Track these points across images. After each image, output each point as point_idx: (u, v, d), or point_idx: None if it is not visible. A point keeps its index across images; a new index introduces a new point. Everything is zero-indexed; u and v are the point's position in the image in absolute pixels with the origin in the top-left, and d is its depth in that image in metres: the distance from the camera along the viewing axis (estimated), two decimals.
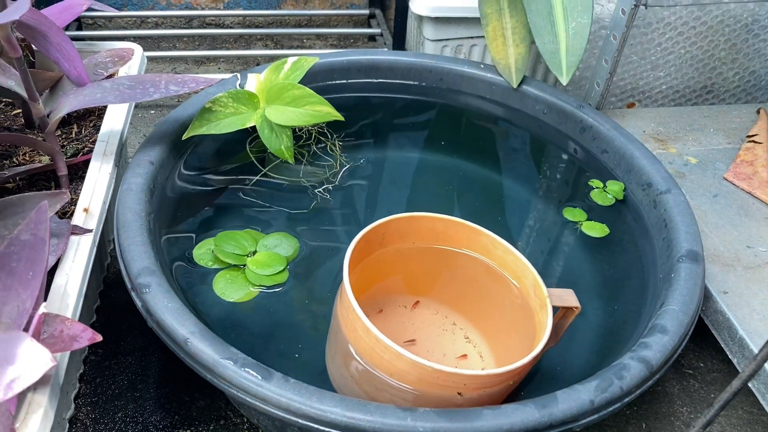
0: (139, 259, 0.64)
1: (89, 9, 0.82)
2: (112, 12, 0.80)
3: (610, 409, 0.58)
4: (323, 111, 0.81)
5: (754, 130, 1.01)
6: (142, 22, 1.43)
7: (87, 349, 0.79)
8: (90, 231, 0.66)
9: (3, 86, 0.69)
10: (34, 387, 0.51)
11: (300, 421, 0.54)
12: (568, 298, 0.62)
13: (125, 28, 1.42)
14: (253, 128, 0.84)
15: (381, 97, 1.00)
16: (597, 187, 0.87)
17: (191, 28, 1.45)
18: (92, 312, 0.82)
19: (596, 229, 0.83)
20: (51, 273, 0.60)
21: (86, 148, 0.80)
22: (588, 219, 0.84)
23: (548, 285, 0.62)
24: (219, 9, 1.43)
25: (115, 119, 0.80)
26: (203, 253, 0.74)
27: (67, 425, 0.71)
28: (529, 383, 0.66)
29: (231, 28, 1.46)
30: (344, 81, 0.99)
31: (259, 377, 0.55)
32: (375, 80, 1.00)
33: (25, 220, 0.53)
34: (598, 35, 1.02)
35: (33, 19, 0.67)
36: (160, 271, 0.63)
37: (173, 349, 0.59)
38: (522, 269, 0.64)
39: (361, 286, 0.67)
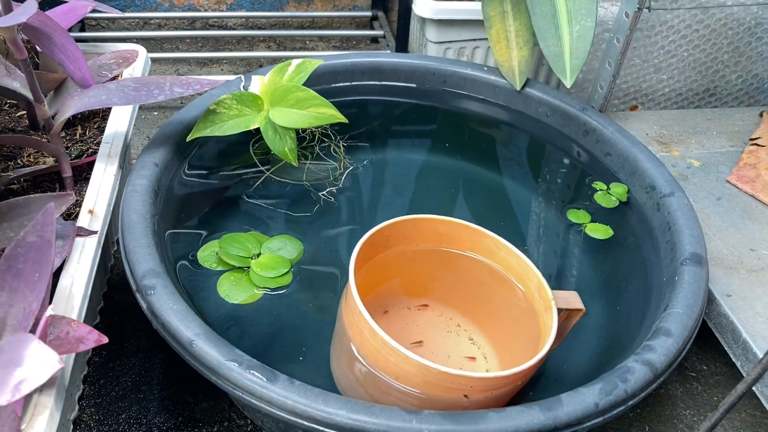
0: (144, 261, 0.64)
1: (93, 10, 0.82)
2: (115, 13, 0.80)
3: (615, 412, 0.58)
4: (327, 113, 0.82)
5: (757, 133, 1.01)
6: (144, 24, 1.43)
7: (91, 351, 0.79)
8: (95, 233, 0.66)
9: (8, 88, 0.69)
10: (40, 388, 0.51)
11: (305, 423, 0.54)
12: (572, 300, 0.62)
13: (128, 30, 1.42)
14: (257, 130, 0.84)
15: (384, 99, 1.00)
16: (600, 190, 0.87)
17: (194, 29, 1.46)
18: (96, 313, 0.82)
19: (600, 231, 0.83)
20: (56, 274, 0.60)
21: (90, 150, 0.80)
22: (592, 221, 0.84)
23: (552, 286, 0.62)
24: (222, 10, 1.43)
25: (120, 121, 0.80)
26: (208, 254, 0.74)
27: (71, 426, 0.71)
28: (534, 385, 0.66)
29: (234, 29, 1.47)
30: (348, 83, 0.99)
31: (264, 379, 0.55)
32: (378, 83, 1.00)
33: (31, 222, 0.54)
34: (601, 38, 1.03)
35: (38, 21, 0.67)
36: (165, 273, 0.63)
37: (178, 350, 0.59)
38: (526, 271, 0.65)
39: (366, 288, 0.67)
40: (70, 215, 0.71)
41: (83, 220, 0.67)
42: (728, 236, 0.84)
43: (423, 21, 1.08)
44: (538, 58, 1.11)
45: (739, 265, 0.80)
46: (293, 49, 1.44)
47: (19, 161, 0.78)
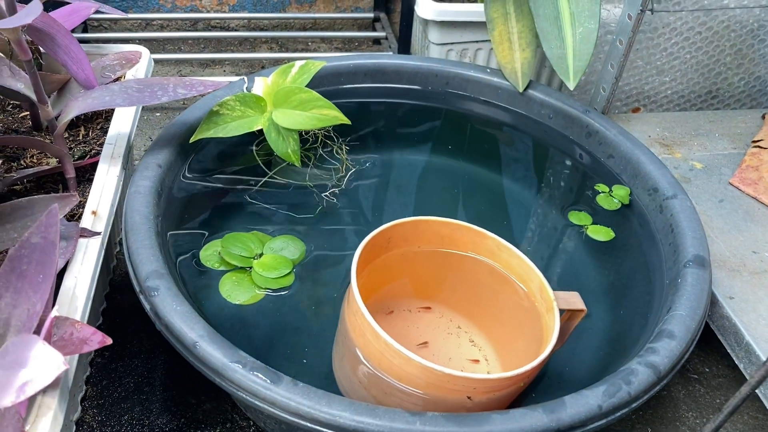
0: (147, 263, 0.64)
1: (96, 11, 0.82)
2: (118, 15, 0.80)
3: (618, 414, 0.58)
4: (330, 115, 0.82)
5: (760, 135, 1.01)
6: (147, 25, 1.43)
7: (93, 352, 0.79)
8: (98, 234, 0.66)
9: (12, 89, 0.69)
10: (44, 390, 0.51)
11: (308, 424, 0.54)
12: (574, 300, 0.62)
13: (130, 31, 1.42)
14: (260, 131, 0.84)
15: (387, 101, 1.00)
16: (603, 192, 0.87)
17: (196, 30, 1.46)
18: (99, 314, 0.82)
19: (602, 233, 0.83)
20: (59, 276, 0.61)
21: (93, 151, 0.80)
22: (593, 223, 0.84)
23: (554, 288, 0.62)
24: (224, 12, 1.44)
25: (123, 122, 0.80)
26: (210, 254, 0.74)
27: (74, 427, 0.71)
28: (537, 386, 0.66)
29: (236, 30, 1.47)
30: (351, 85, 0.99)
31: (268, 381, 0.55)
32: (381, 84, 1.00)
33: (35, 223, 0.54)
34: (604, 40, 1.03)
35: (42, 22, 0.67)
36: (168, 274, 0.63)
37: (182, 352, 0.59)
38: (528, 272, 0.65)
39: (368, 290, 0.67)
40: (74, 216, 0.71)
41: (86, 222, 0.67)
42: (731, 238, 0.84)
43: (425, 22, 1.08)
44: (540, 60, 1.11)
45: (742, 268, 0.80)
46: (295, 51, 1.44)
47: (22, 162, 0.78)
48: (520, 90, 0.96)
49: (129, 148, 0.78)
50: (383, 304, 0.72)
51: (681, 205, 0.78)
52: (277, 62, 1.35)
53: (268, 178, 0.85)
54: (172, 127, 0.82)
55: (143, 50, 0.89)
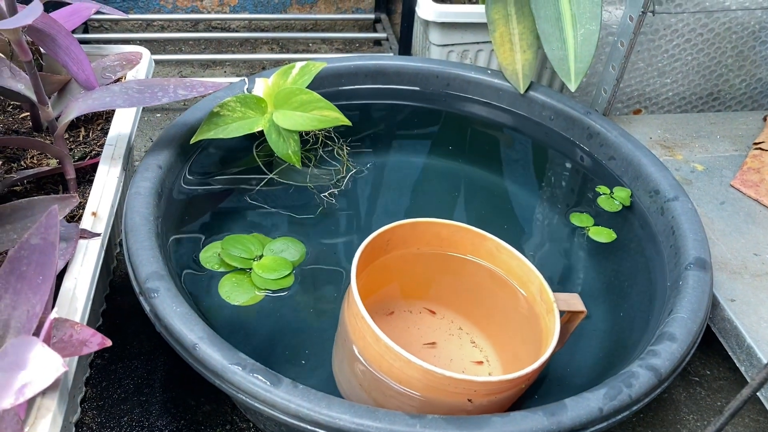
0: (147, 264, 0.64)
1: (96, 12, 0.82)
2: (119, 15, 0.80)
3: (619, 417, 0.58)
4: (331, 116, 0.81)
5: (761, 137, 1.01)
6: (148, 25, 1.43)
7: (93, 353, 0.79)
8: (98, 235, 0.66)
9: (12, 89, 0.69)
10: (43, 391, 0.51)
11: (308, 427, 0.54)
12: (574, 302, 0.62)
13: (131, 31, 1.42)
14: (261, 133, 0.84)
15: (388, 102, 1.00)
16: (604, 194, 0.87)
17: (197, 31, 1.46)
18: (98, 316, 0.82)
19: (603, 235, 0.82)
20: (59, 277, 0.60)
21: (94, 152, 0.80)
22: (595, 224, 0.84)
23: (555, 289, 0.62)
24: (225, 12, 1.43)
25: (123, 123, 0.80)
26: (210, 256, 0.74)
27: (74, 429, 0.71)
28: (538, 389, 0.66)
29: (237, 31, 1.47)
30: (351, 86, 0.99)
31: (268, 383, 0.55)
32: (382, 85, 1.00)
33: (34, 224, 0.53)
34: (605, 42, 1.02)
35: (42, 23, 0.67)
36: (168, 275, 0.63)
37: (181, 354, 0.59)
38: (527, 274, 0.65)
39: (367, 292, 0.67)
40: (74, 217, 0.71)
41: (86, 223, 0.67)
42: (732, 241, 0.84)
43: (426, 24, 1.08)
44: (541, 62, 1.11)
45: (743, 270, 0.80)
46: (296, 52, 1.44)
47: (22, 163, 0.78)
48: (521, 91, 0.95)
49: (129, 149, 0.78)
50: (383, 305, 0.72)
51: (682, 207, 0.78)
52: (278, 63, 1.35)
53: (269, 179, 0.85)
54: (173, 128, 0.82)
55: (144, 51, 0.89)
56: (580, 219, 0.84)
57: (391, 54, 1.38)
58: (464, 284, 0.71)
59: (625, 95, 1.09)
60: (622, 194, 0.86)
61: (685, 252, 0.73)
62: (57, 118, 0.72)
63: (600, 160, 0.92)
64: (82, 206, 0.72)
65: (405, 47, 1.31)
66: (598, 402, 0.56)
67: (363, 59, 0.99)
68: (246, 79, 0.89)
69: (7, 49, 0.77)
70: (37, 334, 0.50)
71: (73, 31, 0.74)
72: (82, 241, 0.65)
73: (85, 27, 1.35)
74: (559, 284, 0.77)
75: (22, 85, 0.69)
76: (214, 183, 0.84)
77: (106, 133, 0.80)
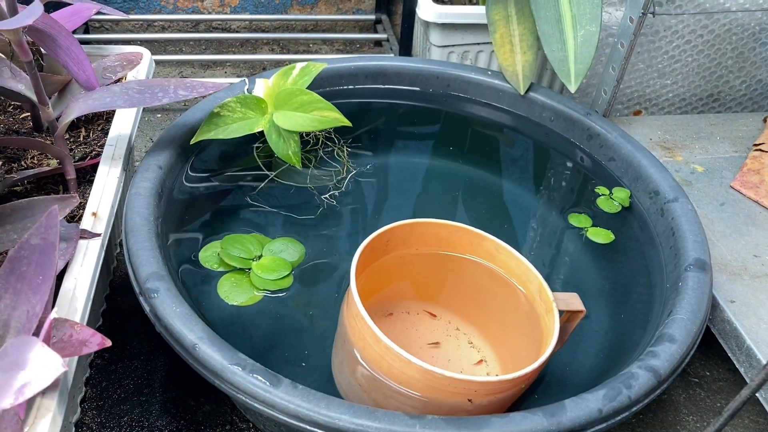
0: (147, 264, 0.64)
1: (97, 12, 0.82)
2: (119, 16, 0.80)
3: (618, 418, 0.58)
4: (331, 116, 0.81)
5: (761, 138, 1.01)
6: (148, 26, 1.43)
7: (93, 353, 0.79)
8: (98, 235, 0.66)
9: (13, 90, 0.69)
10: (43, 391, 0.51)
11: (308, 427, 0.54)
12: (572, 301, 0.62)
13: (132, 32, 1.42)
14: (261, 133, 0.84)
15: (388, 102, 1.00)
16: (603, 194, 0.87)
17: (198, 32, 1.46)
18: (98, 316, 0.82)
19: (602, 236, 0.83)
20: (59, 277, 0.60)
21: (94, 152, 0.80)
22: (593, 225, 0.84)
23: (553, 289, 0.62)
24: (226, 13, 1.44)
25: (124, 123, 0.80)
26: (209, 255, 0.74)
27: (73, 429, 0.71)
28: (537, 389, 0.66)
29: (237, 32, 1.47)
30: (352, 87, 0.99)
31: (268, 383, 0.55)
32: (382, 86, 1.00)
33: (35, 225, 0.54)
34: (605, 43, 1.03)
35: (43, 23, 0.67)
36: (168, 276, 0.63)
37: (181, 354, 0.59)
38: (526, 274, 0.65)
39: (366, 292, 0.67)
40: (74, 218, 0.71)
41: (87, 223, 0.67)
42: (732, 242, 0.84)
43: (426, 24, 1.08)
44: (541, 63, 1.11)
45: (743, 271, 0.80)
46: (297, 52, 1.44)
47: (23, 163, 0.78)
48: (522, 92, 0.96)
49: (130, 150, 0.78)
50: (382, 306, 0.72)
51: (682, 209, 0.78)
52: (279, 64, 1.35)
53: (269, 180, 0.85)
54: (173, 128, 0.82)
55: (144, 51, 0.89)
56: (578, 219, 0.84)
57: (392, 55, 1.38)
58: (463, 284, 0.71)
59: (625, 96, 1.09)
60: (621, 195, 0.86)
61: (684, 253, 0.73)
62: (57, 119, 0.72)
63: (600, 161, 0.92)
64: (82, 206, 0.72)
65: (405, 48, 1.31)
66: (597, 403, 0.56)
67: (363, 60, 0.99)
68: (246, 80, 0.89)
69: (8, 49, 0.77)
70: (36, 334, 0.50)
71: (74, 32, 0.74)
72: (82, 242, 0.65)
73: (86, 27, 1.35)
74: (558, 284, 0.77)
75: (22, 85, 0.69)
76: (214, 183, 0.84)
77: (107, 134, 0.80)
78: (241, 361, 0.56)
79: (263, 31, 1.48)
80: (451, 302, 0.73)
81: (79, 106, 0.71)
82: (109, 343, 0.52)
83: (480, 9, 1.04)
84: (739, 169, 0.96)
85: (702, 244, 0.74)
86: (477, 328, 0.72)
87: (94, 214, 0.68)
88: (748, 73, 1.10)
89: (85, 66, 0.72)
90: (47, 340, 0.48)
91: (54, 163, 0.78)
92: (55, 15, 0.77)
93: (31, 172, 0.74)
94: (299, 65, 0.87)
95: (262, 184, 0.84)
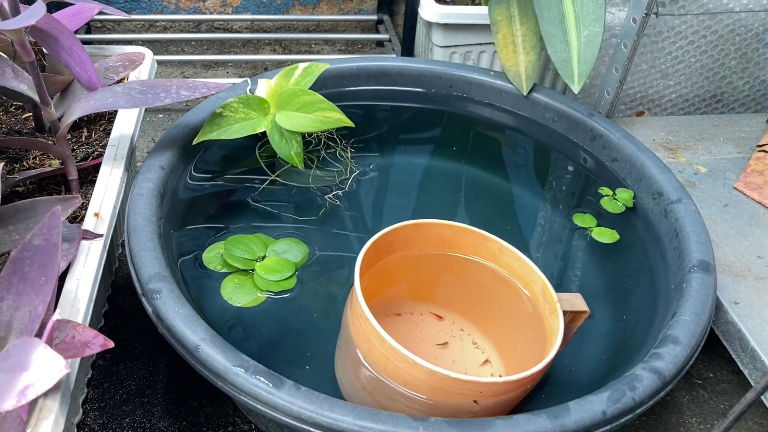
0: (150, 265, 0.64)
1: (99, 13, 0.82)
2: (121, 16, 0.80)
3: (623, 420, 0.57)
4: (333, 117, 0.81)
5: (764, 139, 1.00)
6: (150, 26, 1.43)
7: (95, 354, 0.79)
8: (101, 236, 0.66)
9: (15, 90, 0.69)
10: (45, 393, 0.51)
11: (311, 429, 0.54)
12: (576, 302, 0.62)
13: (134, 32, 1.42)
14: (263, 133, 0.83)
15: (390, 103, 1.00)
16: (606, 195, 0.87)
17: (200, 32, 1.46)
18: (100, 316, 0.82)
19: (606, 235, 0.82)
20: (62, 278, 0.60)
21: (96, 152, 0.80)
22: (598, 225, 0.83)
23: (558, 289, 0.62)
24: (228, 13, 1.43)
25: (126, 124, 0.80)
26: (212, 256, 0.74)
27: (75, 430, 0.71)
28: (540, 391, 0.66)
29: (239, 32, 1.47)
30: (354, 87, 0.98)
31: (271, 385, 0.54)
32: (385, 87, 1.00)
33: (37, 225, 0.53)
34: (608, 43, 1.02)
35: (45, 23, 0.67)
36: (170, 276, 0.63)
37: (184, 355, 0.59)
38: (530, 274, 0.64)
39: (369, 293, 0.67)
40: (76, 218, 0.71)
41: (89, 223, 0.67)
42: (735, 243, 0.84)
43: (429, 25, 1.08)
44: (544, 63, 1.11)
45: (747, 273, 0.80)
46: (298, 53, 1.44)
47: (25, 163, 0.78)
48: (524, 93, 0.95)
49: (132, 150, 0.78)
50: (385, 307, 0.72)
51: (686, 210, 0.78)
52: (280, 64, 1.35)
53: (271, 180, 0.84)
54: (175, 129, 0.82)
55: (146, 51, 0.89)
56: (583, 219, 0.84)
57: (394, 55, 1.37)
58: (466, 285, 0.71)
59: (628, 97, 1.09)
60: (624, 195, 0.86)
61: (688, 254, 0.73)
62: (59, 119, 0.72)
63: (603, 161, 0.91)
64: (84, 207, 0.72)
65: (408, 48, 1.31)
66: (601, 405, 0.56)
67: (365, 60, 0.98)
68: (249, 80, 0.89)
69: (10, 49, 0.77)
70: (39, 335, 0.50)
71: (76, 32, 0.74)
72: (84, 242, 0.64)
73: (88, 27, 1.35)
74: (562, 284, 0.77)
75: (24, 85, 0.69)
76: (217, 184, 0.84)
77: (109, 134, 0.80)
78: (243, 362, 0.56)
79: (265, 32, 1.48)
80: (455, 303, 0.72)
81: (81, 107, 0.71)
82: (111, 344, 0.52)
83: (482, 9, 1.04)
84: (743, 170, 0.96)
85: (706, 246, 0.74)
86: (481, 328, 0.71)
87: (96, 214, 0.68)
88: (752, 73, 1.09)
89: (87, 66, 0.71)
90: (50, 342, 0.48)
91: (56, 163, 0.78)
92: (57, 15, 0.77)
93: (33, 172, 0.74)
94: (302, 65, 0.87)
95: (265, 185, 0.84)
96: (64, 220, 0.65)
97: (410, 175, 0.91)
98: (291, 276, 0.73)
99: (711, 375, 0.85)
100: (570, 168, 0.93)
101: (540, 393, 0.66)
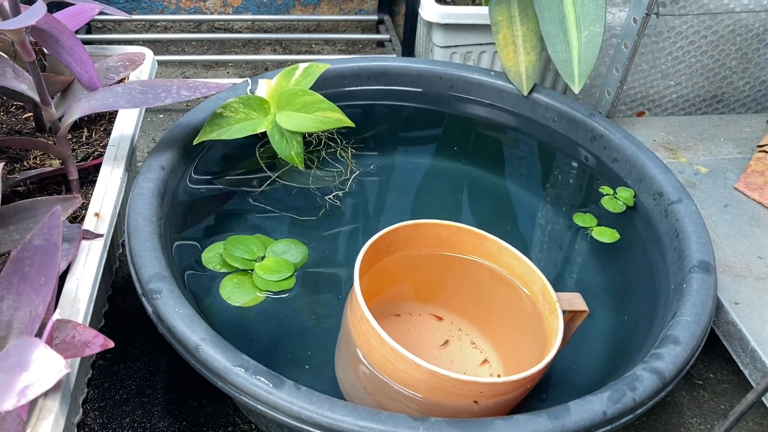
0: (150, 265, 0.64)
1: (100, 13, 0.82)
2: (122, 16, 0.80)
3: (623, 420, 0.57)
4: (334, 117, 0.81)
5: (765, 139, 1.00)
6: (151, 26, 1.43)
7: (95, 354, 0.79)
8: (101, 236, 0.66)
9: (15, 90, 0.69)
10: (45, 392, 0.51)
11: (311, 429, 0.54)
12: (576, 301, 0.62)
13: (134, 32, 1.42)
14: (264, 134, 0.83)
15: (391, 103, 1.00)
16: (607, 194, 0.87)
17: (200, 32, 1.46)
18: (101, 316, 0.82)
19: (607, 235, 0.82)
20: (62, 278, 0.60)
21: (96, 152, 0.80)
22: (598, 225, 0.83)
23: (557, 289, 0.62)
24: (228, 13, 1.43)
25: (126, 124, 0.80)
26: (212, 256, 0.74)
27: (75, 430, 0.71)
28: (540, 389, 0.66)
29: (240, 32, 1.47)
30: (354, 87, 0.98)
31: (271, 385, 0.54)
32: (385, 87, 1.00)
33: (37, 225, 0.53)
34: (609, 43, 1.02)
35: (45, 23, 0.67)
36: (171, 276, 0.63)
37: (184, 355, 0.59)
38: (529, 274, 0.64)
39: (369, 294, 0.67)
40: (76, 218, 0.71)
41: (89, 223, 0.67)
42: (736, 244, 0.84)
43: (429, 25, 1.08)
44: (545, 63, 1.11)
45: (747, 273, 0.80)
46: (299, 53, 1.44)
47: (25, 163, 0.78)
48: (525, 93, 0.95)
49: (132, 150, 0.78)
50: (384, 307, 0.72)
51: (686, 210, 0.78)
52: (281, 64, 1.35)
53: (271, 180, 0.84)
54: (176, 129, 0.82)
55: (147, 52, 0.89)
56: (583, 219, 0.84)
57: (394, 55, 1.37)
58: (465, 285, 0.71)
59: (628, 97, 1.09)
60: (625, 194, 0.86)
61: (689, 255, 0.73)
62: (60, 119, 0.72)
63: (604, 162, 0.91)
64: (84, 207, 0.72)
65: (408, 49, 1.31)
66: (601, 405, 0.56)
67: (366, 60, 0.98)
68: (249, 80, 0.89)
69: (11, 49, 0.77)
70: (39, 335, 0.50)
71: (77, 32, 0.74)
72: (84, 242, 0.65)
73: (88, 28, 1.35)
74: (563, 285, 0.77)
75: (25, 85, 0.69)
76: (217, 184, 0.84)
77: (109, 134, 0.80)
78: (244, 362, 0.56)
79: (265, 32, 1.48)
80: (454, 303, 0.72)
81: (81, 107, 0.71)
82: (111, 344, 0.52)
83: (483, 9, 1.04)
84: (743, 170, 0.96)
85: (706, 246, 0.73)
86: (480, 328, 0.71)
87: (96, 214, 0.68)
88: (752, 74, 1.09)
89: (88, 66, 0.71)
90: (50, 342, 0.48)
91: (56, 163, 0.78)
92: (57, 15, 0.77)
93: (33, 172, 0.74)
94: (302, 66, 0.87)
95: (265, 185, 0.84)
96: (65, 220, 0.65)
97: (411, 176, 0.91)
98: (290, 276, 0.73)
99: (711, 375, 0.85)
100: (570, 168, 0.93)
101: (540, 393, 0.66)
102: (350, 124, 0.82)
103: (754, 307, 0.75)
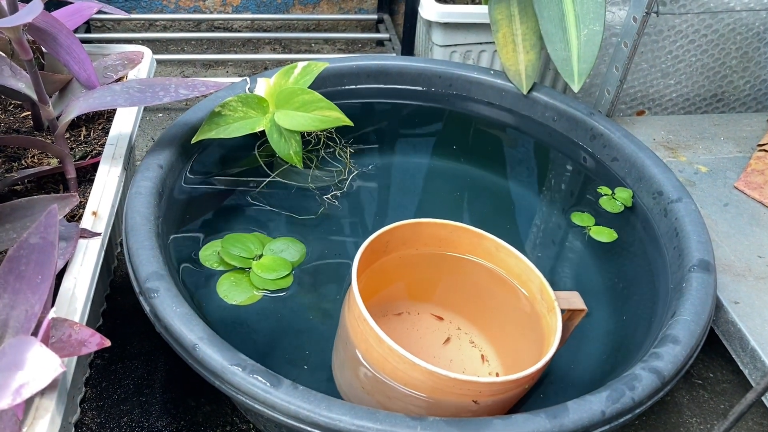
0: (147, 264, 0.63)
1: (98, 12, 0.82)
2: (121, 15, 0.80)
3: (622, 420, 0.57)
4: (332, 116, 0.81)
5: (765, 138, 1.00)
6: (150, 25, 1.43)
7: (93, 353, 0.79)
8: (98, 234, 0.66)
9: (13, 88, 0.69)
10: (42, 392, 0.50)
11: (308, 428, 0.53)
12: (574, 300, 0.62)
13: (134, 31, 1.42)
14: (262, 132, 0.83)
15: (390, 102, 1.00)
16: (605, 194, 0.87)
17: (200, 31, 1.46)
18: (98, 316, 0.81)
19: (605, 234, 0.82)
20: (59, 277, 0.60)
21: (95, 151, 0.80)
22: (596, 224, 0.83)
23: (555, 288, 0.62)
24: (228, 13, 1.43)
25: (125, 122, 0.80)
26: (209, 254, 0.74)
27: (73, 429, 0.70)
28: (538, 388, 0.66)
29: (239, 31, 1.46)
30: (353, 86, 0.98)
31: (268, 384, 0.54)
32: (384, 86, 0.99)
33: (34, 224, 0.53)
34: (608, 42, 1.02)
35: (43, 22, 0.67)
36: (168, 275, 0.63)
37: (181, 354, 0.59)
38: (527, 273, 0.64)
39: (366, 293, 0.66)
40: (74, 217, 0.71)
41: (87, 222, 0.67)
42: (736, 243, 0.83)
43: (429, 24, 1.08)
44: (544, 62, 1.11)
45: (747, 272, 0.79)
46: (299, 52, 1.44)
47: (23, 162, 0.78)
48: (524, 92, 0.95)
49: (130, 149, 0.78)
50: (382, 307, 0.71)
51: (686, 209, 0.78)
52: (280, 63, 1.35)
53: (270, 179, 0.84)
54: (174, 127, 0.82)
55: (146, 50, 0.89)
56: (581, 218, 0.84)
57: (394, 54, 1.37)
58: (464, 284, 0.71)
59: (628, 96, 1.09)
60: (623, 195, 0.86)
61: (688, 254, 0.73)
62: (58, 117, 0.72)
63: (603, 161, 0.91)
64: (82, 206, 0.71)
65: (408, 48, 1.31)
66: (600, 405, 0.56)
67: (365, 59, 0.98)
68: (248, 79, 0.89)
69: (8, 47, 0.77)
70: (35, 334, 0.50)
71: (75, 31, 0.73)
72: (82, 241, 0.64)
73: (87, 26, 1.35)
74: (560, 283, 0.77)
75: (22, 83, 0.69)
76: (216, 183, 0.83)
77: (107, 133, 0.79)
78: (241, 361, 0.56)
79: (265, 31, 1.48)
80: (452, 302, 0.72)
81: (79, 105, 0.71)
82: (108, 343, 0.52)
83: (483, 8, 1.03)
84: (743, 169, 0.95)
85: (706, 245, 0.73)
86: (478, 327, 0.71)
87: (94, 213, 0.68)
88: (753, 73, 1.09)
89: (86, 65, 0.71)
90: (46, 340, 0.47)
91: (54, 162, 0.78)
92: (56, 13, 0.76)
93: (31, 171, 0.74)
94: (301, 64, 0.87)
95: (263, 184, 0.84)
96: (62, 219, 0.65)
97: (410, 175, 0.90)
98: (288, 275, 0.73)
99: (711, 375, 0.85)
100: (569, 167, 0.93)
101: (538, 392, 0.66)
102: (349, 123, 0.81)
103: (753, 306, 0.75)
